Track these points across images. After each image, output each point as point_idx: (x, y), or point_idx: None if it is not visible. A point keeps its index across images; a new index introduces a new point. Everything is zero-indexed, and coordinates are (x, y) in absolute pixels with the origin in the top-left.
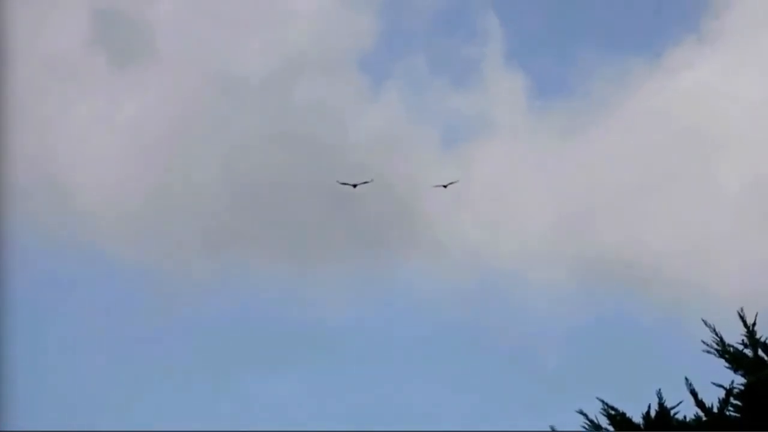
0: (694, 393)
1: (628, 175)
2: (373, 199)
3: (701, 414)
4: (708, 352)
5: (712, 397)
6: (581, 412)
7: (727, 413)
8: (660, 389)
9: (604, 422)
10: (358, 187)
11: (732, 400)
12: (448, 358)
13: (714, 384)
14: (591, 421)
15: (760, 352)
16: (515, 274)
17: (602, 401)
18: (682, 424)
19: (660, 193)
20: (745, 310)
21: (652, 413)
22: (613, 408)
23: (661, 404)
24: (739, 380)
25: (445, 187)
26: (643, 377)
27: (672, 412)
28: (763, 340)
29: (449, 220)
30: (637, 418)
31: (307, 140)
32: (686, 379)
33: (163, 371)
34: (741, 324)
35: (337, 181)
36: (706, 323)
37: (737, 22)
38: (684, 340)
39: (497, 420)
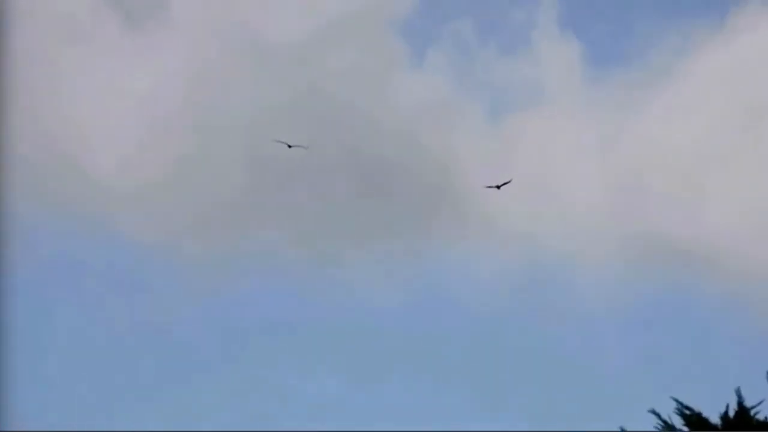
0: None
1: (687, 149)
2: (413, 174)
3: None
4: None
5: None
6: (654, 412)
7: None
8: (739, 388)
9: (678, 422)
10: (292, 148)
11: None
12: (498, 350)
13: None
14: (664, 422)
15: None
16: (564, 254)
17: (676, 400)
18: (763, 424)
19: (722, 166)
20: None
21: (731, 413)
22: (688, 408)
23: (740, 404)
24: None
25: (498, 188)
26: (706, 367)
27: (752, 411)
28: None
29: (495, 198)
30: (715, 419)
31: (340, 111)
32: None
33: (185, 362)
34: None
35: (273, 139)
36: None
37: None
38: (749, 325)
39: (556, 420)
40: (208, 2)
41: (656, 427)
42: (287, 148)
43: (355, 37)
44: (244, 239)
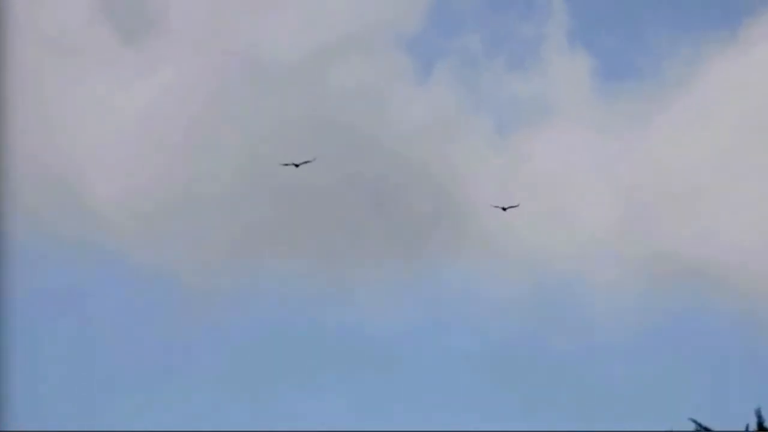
0: None
1: (701, 164)
2: (417, 193)
3: None
4: None
5: None
6: None
7: None
8: (759, 408)
9: None
10: (300, 166)
11: None
12: (501, 376)
13: None
14: None
15: None
16: (574, 275)
17: (695, 422)
18: None
19: (737, 182)
20: None
21: None
22: (707, 429)
23: (760, 424)
24: None
25: (504, 209)
26: (720, 386)
27: None
28: None
29: (501, 217)
30: None
31: (343, 129)
32: None
33: (188, 387)
34: None
35: (280, 163)
36: None
37: None
38: (763, 344)
39: None
40: (207, 19)
41: None
42: (295, 168)
43: (359, 54)
44: (247, 262)
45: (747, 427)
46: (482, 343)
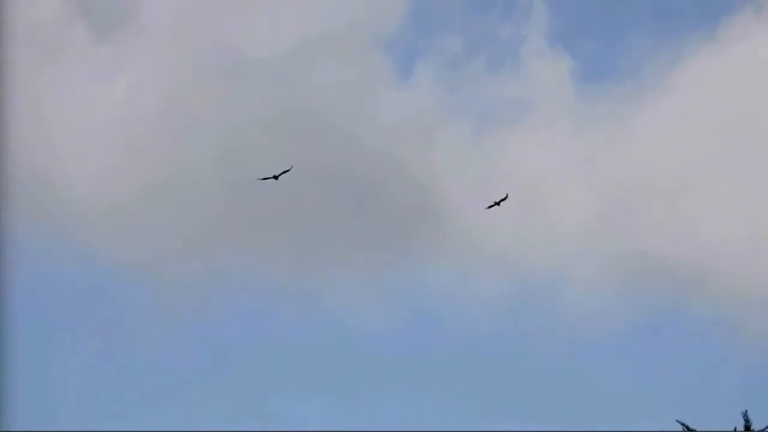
0: None
1: (678, 163)
2: (395, 193)
3: None
4: None
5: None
6: None
7: None
8: (746, 411)
9: None
10: (279, 178)
11: None
12: (487, 371)
13: None
14: None
15: None
16: (551, 274)
17: (682, 423)
18: None
19: (712, 183)
20: None
21: None
22: (693, 431)
23: (747, 427)
24: None
25: (498, 204)
26: (698, 387)
27: None
28: None
29: (479, 216)
30: None
31: (322, 129)
32: None
33: (167, 382)
34: None
35: (258, 178)
36: None
37: None
38: (738, 344)
39: None
40: (182, 14)
41: None
42: (275, 180)
43: (338, 53)
44: (224, 258)
45: (735, 429)
46: (463, 341)
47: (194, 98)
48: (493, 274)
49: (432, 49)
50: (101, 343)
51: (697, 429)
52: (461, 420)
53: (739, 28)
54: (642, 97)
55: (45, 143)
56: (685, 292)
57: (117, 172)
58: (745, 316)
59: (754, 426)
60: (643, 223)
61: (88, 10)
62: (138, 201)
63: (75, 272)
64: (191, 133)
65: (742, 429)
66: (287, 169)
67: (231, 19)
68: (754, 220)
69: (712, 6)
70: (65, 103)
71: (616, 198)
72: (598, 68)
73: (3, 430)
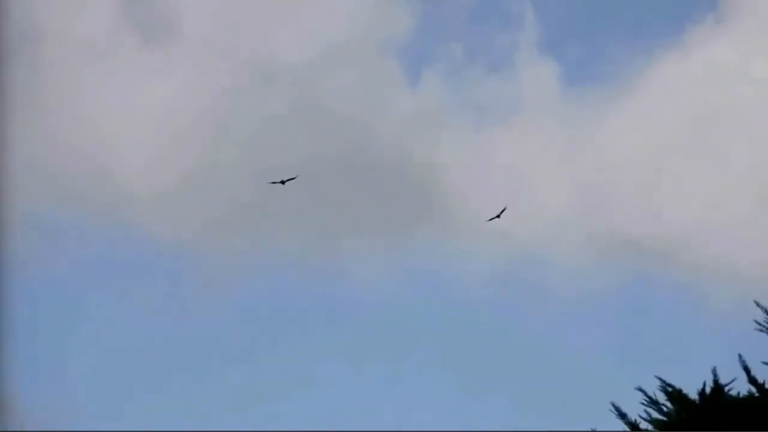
0: (747, 369)
1: (649, 156)
2: (405, 177)
3: (754, 390)
4: (761, 330)
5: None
6: (640, 389)
7: None
8: (715, 368)
9: (661, 398)
10: (286, 183)
11: None
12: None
13: (765, 363)
14: (650, 398)
15: None
16: (540, 246)
17: (660, 378)
18: (736, 400)
19: (677, 170)
20: None
21: (707, 390)
22: (670, 385)
23: (715, 381)
24: None
25: (498, 216)
26: (668, 348)
27: (726, 388)
28: None
29: (478, 198)
30: (693, 395)
31: (340, 122)
32: (740, 356)
33: (209, 346)
34: None
35: (268, 182)
36: (758, 304)
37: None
38: (702, 313)
39: (539, 398)
40: (218, 25)
41: (642, 403)
42: (282, 185)
43: (354, 59)
44: (255, 237)
45: (704, 383)
46: (464, 304)
47: (227, 99)
48: (490, 248)
49: (437, 55)
50: (156, 310)
51: (674, 384)
52: (462, 377)
53: (701, 35)
54: (617, 97)
55: (98, 138)
56: (655, 264)
57: (161, 161)
58: (705, 287)
59: (721, 380)
60: (618, 205)
61: (135, 21)
62: (180, 186)
63: (127, 250)
64: (224, 128)
65: (712, 384)
66: (293, 177)
67: (261, 29)
68: (716, 203)
69: (677, 16)
70: (117, 103)
71: (596, 183)
72: (581, 72)
73: (4, 430)
